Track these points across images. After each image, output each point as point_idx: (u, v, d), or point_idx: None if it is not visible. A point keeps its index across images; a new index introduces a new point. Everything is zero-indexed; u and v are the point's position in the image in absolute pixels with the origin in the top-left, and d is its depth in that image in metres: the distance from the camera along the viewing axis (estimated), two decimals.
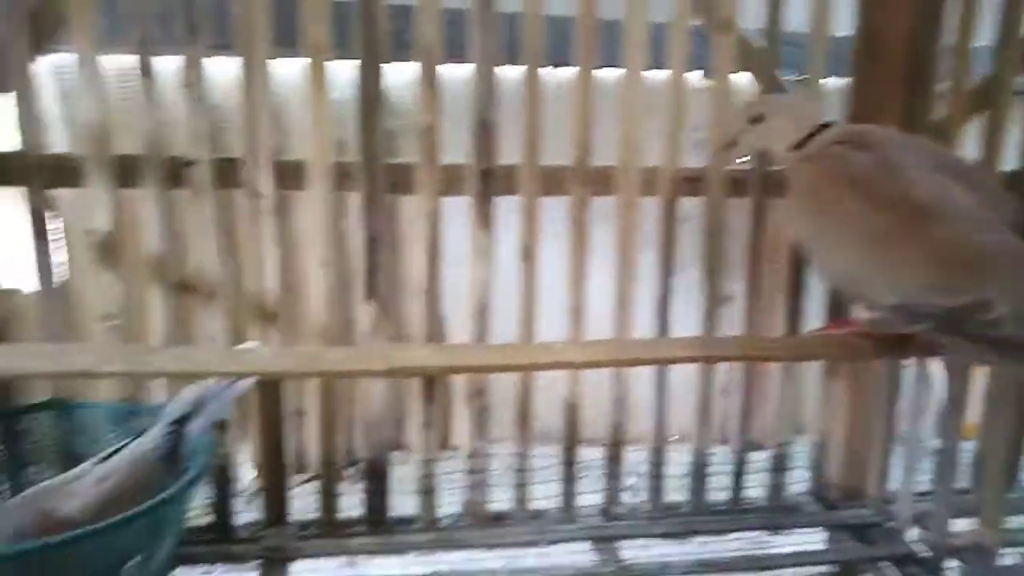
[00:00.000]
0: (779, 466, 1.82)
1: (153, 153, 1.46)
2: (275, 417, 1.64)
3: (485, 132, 1.54)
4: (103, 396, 1.60)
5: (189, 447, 1.47)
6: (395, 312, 1.64)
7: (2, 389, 1.54)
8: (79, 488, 1.36)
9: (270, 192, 1.51)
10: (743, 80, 1.71)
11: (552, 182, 1.59)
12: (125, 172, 1.47)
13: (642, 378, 1.74)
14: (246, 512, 1.72)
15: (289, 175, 1.51)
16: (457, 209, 1.60)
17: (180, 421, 1.46)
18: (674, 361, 1.59)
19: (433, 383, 1.66)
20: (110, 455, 1.43)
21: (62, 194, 1.50)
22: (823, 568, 1.77)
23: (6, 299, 1.51)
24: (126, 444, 1.45)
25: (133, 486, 1.37)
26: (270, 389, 1.61)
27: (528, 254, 1.61)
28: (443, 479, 1.74)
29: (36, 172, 1.44)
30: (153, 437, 1.44)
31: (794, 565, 1.70)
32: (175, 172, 1.47)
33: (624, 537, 1.72)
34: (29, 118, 1.44)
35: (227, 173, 1.49)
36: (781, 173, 1.58)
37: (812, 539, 1.83)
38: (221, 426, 1.58)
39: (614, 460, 1.78)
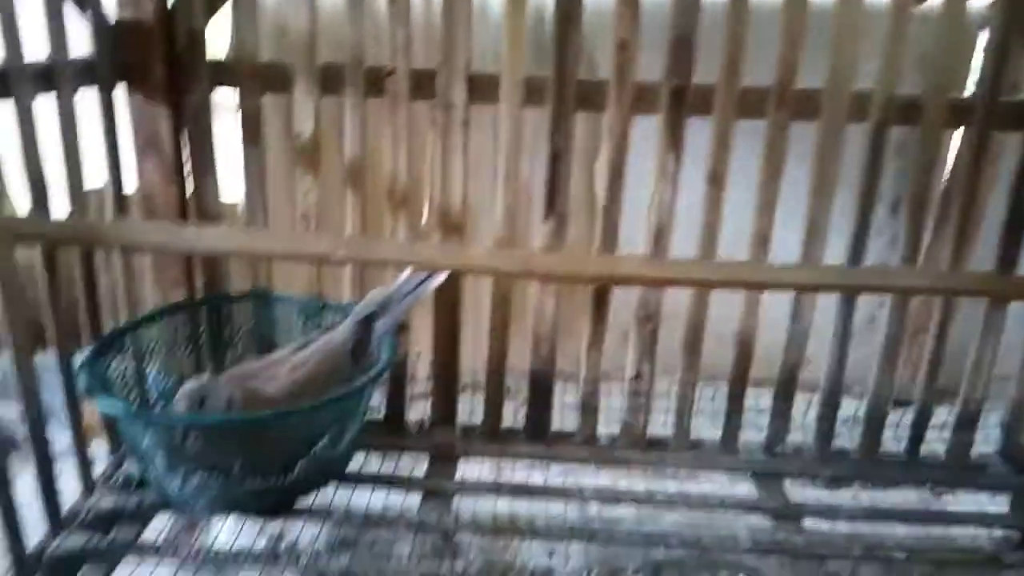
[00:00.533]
0: (966, 422, 1.70)
1: (355, 62, 1.51)
2: (451, 322, 1.70)
3: (683, 49, 1.48)
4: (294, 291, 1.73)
5: (374, 344, 1.57)
6: (569, 231, 1.64)
7: (209, 279, 1.69)
8: (279, 372, 1.49)
9: (462, 104, 1.53)
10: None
11: (750, 104, 1.50)
12: (328, 80, 1.53)
13: (819, 318, 1.67)
14: (416, 410, 1.82)
15: (481, 88, 1.52)
16: (645, 129, 1.55)
17: (368, 319, 1.55)
18: (913, 292, 1.60)
19: (605, 302, 1.66)
20: (304, 345, 1.55)
21: (269, 100, 1.59)
22: (1004, 532, 1.65)
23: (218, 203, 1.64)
24: (318, 336, 1.57)
25: (324, 375, 1.49)
26: (448, 295, 1.66)
27: (716, 178, 1.55)
28: (604, 399, 1.76)
29: (249, 78, 1.53)
30: (343, 332, 1.54)
31: (972, 524, 1.61)
32: (375, 81, 1.52)
33: (787, 475, 1.69)
34: (245, 26, 1.52)
35: (423, 84, 1.52)
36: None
37: (995, 500, 1.72)
38: (401, 328, 1.66)
39: (783, 398, 1.73)
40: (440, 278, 1.58)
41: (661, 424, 1.78)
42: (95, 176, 1.43)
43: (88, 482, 1.44)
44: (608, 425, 1.77)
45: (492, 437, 1.76)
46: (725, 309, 1.67)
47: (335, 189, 1.63)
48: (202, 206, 1.60)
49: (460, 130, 1.56)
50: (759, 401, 1.76)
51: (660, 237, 1.61)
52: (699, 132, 1.54)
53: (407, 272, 1.58)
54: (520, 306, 1.73)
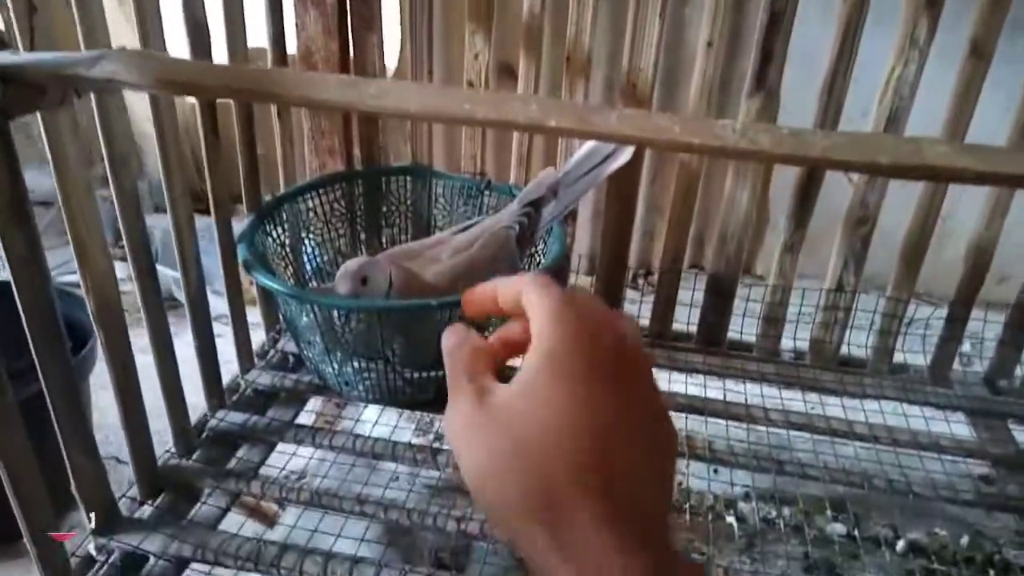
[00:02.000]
0: None
1: None
2: (625, 211, 1.51)
3: None
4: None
5: (541, 232, 1.41)
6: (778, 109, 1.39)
7: (367, 150, 1.56)
8: (440, 255, 1.36)
9: None
10: None
11: None
12: None
13: None
14: None
15: None
16: None
17: (535, 204, 1.39)
18: None
19: (811, 198, 1.42)
20: (466, 227, 1.41)
21: None
22: None
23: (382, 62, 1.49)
24: (481, 219, 1.42)
25: (487, 262, 1.34)
26: (623, 180, 1.46)
27: (980, 49, 1.24)
28: (794, 310, 1.54)
29: None
30: (508, 216, 1.38)
31: None
32: None
33: (1013, 416, 1.43)
34: None
35: None
36: None
37: None
38: (570, 215, 1.49)
39: (1016, 326, 1.45)
40: (621, 160, 1.37)
41: (858, 342, 1.55)
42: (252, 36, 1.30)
43: (246, 357, 1.38)
44: (798, 340, 1.56)
45: (661, 342, 1.60)
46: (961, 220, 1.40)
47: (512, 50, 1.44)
48: (363, 65, 1.45)
49: None
50: (981, 325, 1.49)
51: (894, 121, 1.33)
52: None
53: (584, 150, 1.38)
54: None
